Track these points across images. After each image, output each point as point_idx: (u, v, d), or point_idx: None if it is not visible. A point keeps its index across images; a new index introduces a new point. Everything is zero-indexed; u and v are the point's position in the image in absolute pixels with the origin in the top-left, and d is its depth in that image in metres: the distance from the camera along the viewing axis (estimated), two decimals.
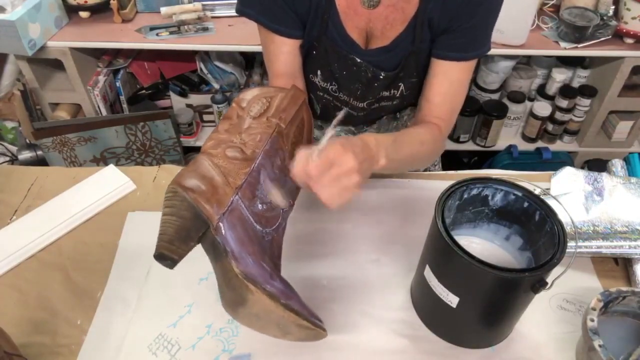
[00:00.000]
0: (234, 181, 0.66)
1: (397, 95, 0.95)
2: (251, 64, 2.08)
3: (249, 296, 0.62)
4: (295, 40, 0.88)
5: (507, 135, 2.09)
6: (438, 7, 0.82)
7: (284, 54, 0.88)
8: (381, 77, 0.89)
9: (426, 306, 0.78)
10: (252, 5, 0.85)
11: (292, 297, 0.65)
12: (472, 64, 0.88)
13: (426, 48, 0.87)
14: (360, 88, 0.92)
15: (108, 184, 1.00)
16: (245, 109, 0.73)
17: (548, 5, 1.88)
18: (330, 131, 0.65)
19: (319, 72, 0.92)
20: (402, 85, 0.93)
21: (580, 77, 1.99)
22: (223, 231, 0.63)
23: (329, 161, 0.63)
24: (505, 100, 2.04)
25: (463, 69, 0.87)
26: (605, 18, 1.73)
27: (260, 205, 0.67)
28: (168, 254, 0.63)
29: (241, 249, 0.63)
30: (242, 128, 0.71)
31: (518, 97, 2.01)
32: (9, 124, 2.02)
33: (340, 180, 0.64)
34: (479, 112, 2.01)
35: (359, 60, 0.88)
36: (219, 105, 1.94)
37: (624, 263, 0.87)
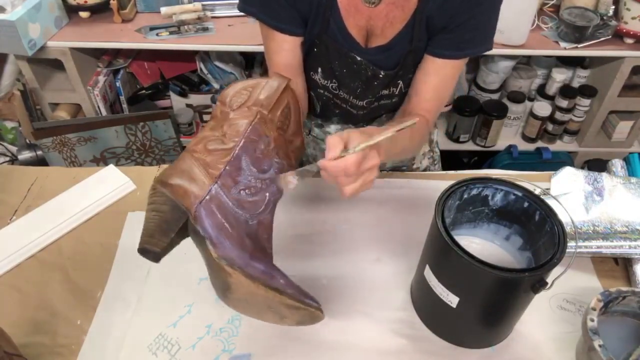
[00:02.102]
0: (213, 172, 0.67)
1: (396, 93, 0.95)
2: (251, 64, 2.08)
3: (229, 279, 0.63)
4: (296, 37, 0.88)
5: (507, 135, 2.09)
6: (437, 6, 0.82)
7: (285, 51, 0.89)
8: (381, 75, 0.90)
9: (426, 306, 0.78)
10: (254, 3, 0.85)
11: (275, 277, 0.65)
12: (464, 60, 0.89)
13: (423, 46, 0.88)
14: (360, 86, 0.92)
15: (108, 184, 1.00)
16: (227, 104, 0.74)
17: (548, 5, 1.88)
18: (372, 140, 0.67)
19: (319, 70, 0.92)
20: (401, 83, 0.93)
21: (580, 77, 1.99)
22: (201, 219, 0.64)
23: (354, 164, 0.65)
24: (505, 100, 2.04)
25: (455, 66, 0.88)
26: (605, 18, 1.73)
27: (242, 191, 0.68)
28: (150, 248, 0.65)
29: (219, 234, 0.64)
30: (225, 122, 0.72)
31: (518, 97, 2.01)
32: (9, 124, 2.02)
33: (364, 175, 0.67)
34: (479, 112, 2.01)
35: (359, 59, 0.88)
36: None
37: (624, 263, 0.87)
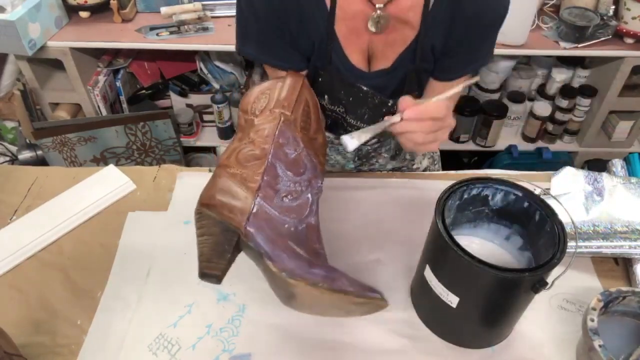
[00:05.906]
0: (253, 185, 0.67)
1: None
2: (251, 63, 2.08)
3: (293, 290, 0.63)
4: (300, 71, 0.88)
5: (507, 135, 2.09)
6: (441, 35, 0.83)
7: None
8: (389, 104, 0.89)
9: (426, 306, 0.78)
10: (251, 45, 0.85)
11: (337, 278, 0.65)
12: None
13: (429, 68, 0.88)
14: (367, 112, 0.92)
15: (108, 184, 1.00)
16: (249, 111, 0.74)
17: (548, 5, 1.88)
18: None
19: (326, 97, 0.92)
20: None
21: (580, 77, 1.99)
22: (252, 235, 0.65)
23: (440, 111, 0.66)
24: (505, 100, 2.04)
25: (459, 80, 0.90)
26: (605, 18, 1.73)
27: (285, 198, 0.68)
28: (210, 272, 0.66)
29: (273, 247, 0.64)
30: (251, 130, 0.72)
31: (518, 97, 2.01)
32: (9, 124, 2.02)
33: (437, 133, 0.68)
34: (479, 112, 2.01)
35: (365, 89, 0.88)
36: (219, 105, 1.93)
37: (624, 263, 0.87)
